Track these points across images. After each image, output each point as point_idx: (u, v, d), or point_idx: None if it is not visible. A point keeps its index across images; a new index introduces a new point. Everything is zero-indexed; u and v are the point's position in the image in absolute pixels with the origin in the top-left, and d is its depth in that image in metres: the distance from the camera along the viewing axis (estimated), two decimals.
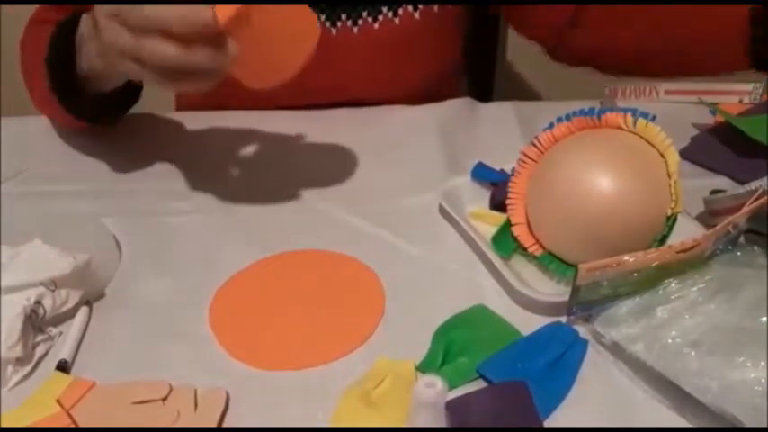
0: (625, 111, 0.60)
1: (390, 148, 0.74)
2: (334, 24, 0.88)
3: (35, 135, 0.87)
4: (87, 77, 0.72)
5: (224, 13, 0.56)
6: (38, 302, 0.56)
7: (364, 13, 0.87)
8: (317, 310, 0.60)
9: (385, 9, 0.87)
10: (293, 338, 0.58)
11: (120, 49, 0.59)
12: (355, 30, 0.88)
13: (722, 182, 0.74)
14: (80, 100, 0.74)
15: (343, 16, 0.87)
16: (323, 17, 0.87)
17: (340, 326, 0.59)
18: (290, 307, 0.61)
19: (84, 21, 0.70)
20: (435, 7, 0.89)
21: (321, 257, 0.66)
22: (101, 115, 0.80)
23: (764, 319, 0.51)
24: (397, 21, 0.88)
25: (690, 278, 0.55)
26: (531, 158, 0.65)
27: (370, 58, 0.89)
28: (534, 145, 0.65)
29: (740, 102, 0.86)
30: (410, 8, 0.88)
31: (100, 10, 0.60)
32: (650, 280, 0.55)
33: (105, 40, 0.60)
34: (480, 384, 0.53)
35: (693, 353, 0.50)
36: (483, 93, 1.37)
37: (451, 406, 0.46)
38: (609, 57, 0.90)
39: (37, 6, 0.86)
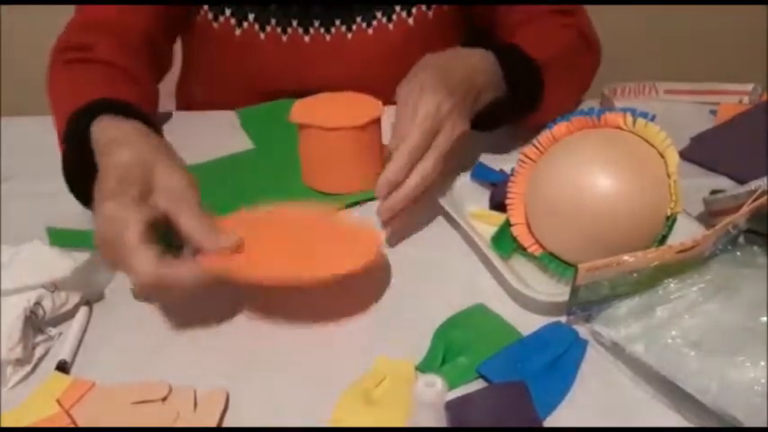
0: (624, 111, 0.60)
1: None
2: (328, 30, 0.88)
3: (35, 135, 0.86)
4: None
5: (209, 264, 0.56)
6: (37, 303, 0.56)
7: (359, 19, 0.87)
8: (314, 235, 0.61)
9: (379, 14, 0.87)
10: (291, 255, 0.58)
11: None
12: (349, 36, 0.88)
13: (722, 182, 0.74)
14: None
15: (338, 22, 0.87)
16: (317, 23, 0.87)
17: (337, 248, 0.59)
18: (287, 233, 0.61)
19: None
20: (430, 13, 0.89)
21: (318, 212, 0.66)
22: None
23: (764, 319, 0.51)
24: (390, 26, 0.88)
25: (689, 278, 0.55)
26: (530, 158, 0.65)
27: (366, 63, 0.89)
28: (534, 145, 0.65)
29: (740, 102, 0.86)
30: (404, 14, 0.88)
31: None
32: (650, 280, 0.55)
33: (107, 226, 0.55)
34: (480, 384, 0.53)
35: (693, 353, 0.50)
36: None
37: (451, 406, 0.46)
38: None
39: (60, 35, 0.83)
